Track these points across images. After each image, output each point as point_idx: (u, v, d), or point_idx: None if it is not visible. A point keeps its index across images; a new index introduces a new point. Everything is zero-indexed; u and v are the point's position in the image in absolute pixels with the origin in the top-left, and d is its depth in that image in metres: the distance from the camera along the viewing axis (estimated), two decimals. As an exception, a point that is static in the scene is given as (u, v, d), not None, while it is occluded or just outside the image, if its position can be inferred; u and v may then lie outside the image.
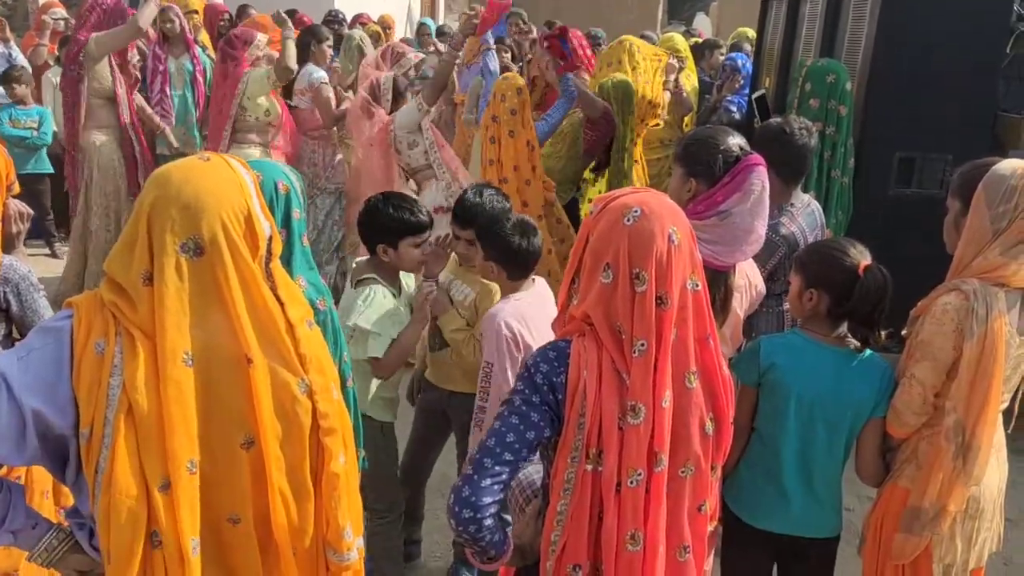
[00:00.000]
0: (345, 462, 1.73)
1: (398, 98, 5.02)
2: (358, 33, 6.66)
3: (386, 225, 2.91)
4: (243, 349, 1.56)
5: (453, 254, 3.12)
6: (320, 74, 5.52)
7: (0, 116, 6.43)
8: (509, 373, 2.61)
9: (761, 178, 2.29)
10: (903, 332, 2.41)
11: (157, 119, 6.09)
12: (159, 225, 1.51)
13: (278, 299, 1.62)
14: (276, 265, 1.66)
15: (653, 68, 5.50)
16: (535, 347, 2.63)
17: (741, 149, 2.35)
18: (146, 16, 5.35)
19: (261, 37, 5.58)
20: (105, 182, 5.62)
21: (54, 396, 1.51)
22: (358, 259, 3.11)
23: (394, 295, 2.94)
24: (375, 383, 2.96)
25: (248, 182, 1.60)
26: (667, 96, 5.70)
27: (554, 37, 5.13)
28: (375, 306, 2.84)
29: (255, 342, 1.57)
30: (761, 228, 2.31)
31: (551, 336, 1.86)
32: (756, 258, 2.99)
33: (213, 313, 1.55)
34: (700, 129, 2.76)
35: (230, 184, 1.57)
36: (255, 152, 5.36)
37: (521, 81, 4.71)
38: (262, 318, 1.59)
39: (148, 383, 1.50)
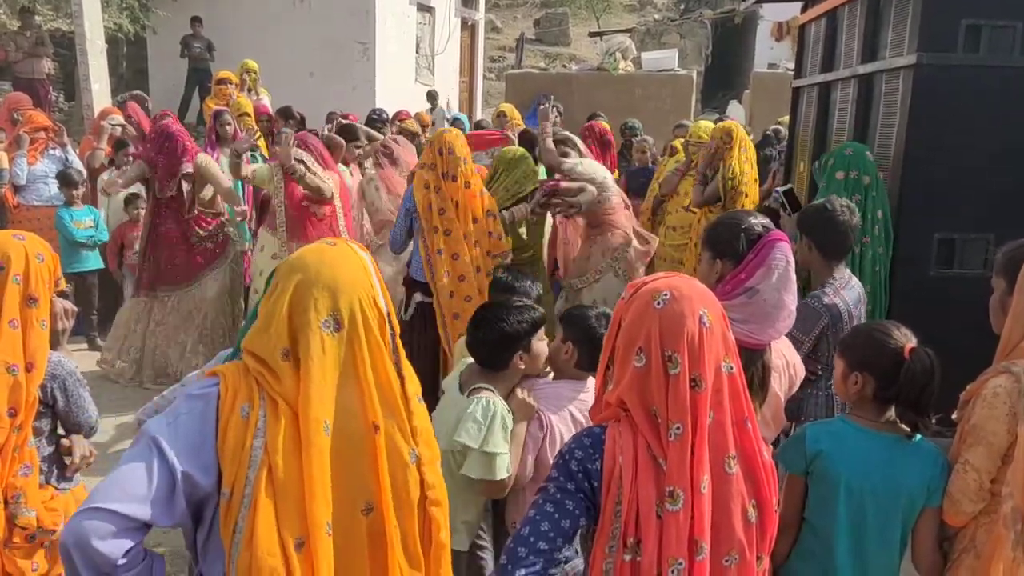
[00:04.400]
0: (444, 536, 1.79)
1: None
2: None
3: (517, 334, 2.73)
4: (371, 417, 1.66)
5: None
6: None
7: (64, 219, 6.64)
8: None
9: (784, 253, 2.31)
10: (953, 416, 2.35)
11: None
12: (302, 305, 1.63)
13: (400, 373, 1.73)
14: (399, 341, 1.77)
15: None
16: (551, 437, 2.67)
17: (763, 227, 2.37)
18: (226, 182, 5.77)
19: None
20: None
21: (200, 458, 1.59)
22: (466, 360, 2.92)
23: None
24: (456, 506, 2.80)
25: (370, 264, 1.74)
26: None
27: None
28: (498, 425, 2.62)
29: (380, 411, 1.67)
30: (791, 302, 2.31)
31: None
32: (799, 328, 2.98)
33: (347, 384, 1.65)
34: (724, 213, 2.80)
35: (359, 266, 1.71)
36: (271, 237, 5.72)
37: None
38: (385, 389, 1.69)
39: (287, 447, 1.60)
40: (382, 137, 6.97)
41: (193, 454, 1.58)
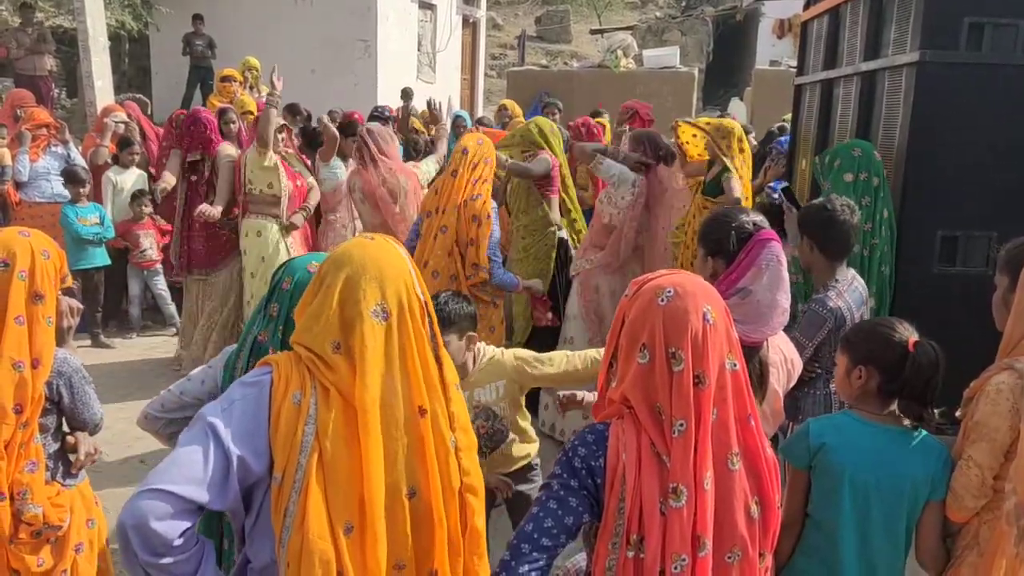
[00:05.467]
0: (479, 523, 1.82)
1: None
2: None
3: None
4: (417, 401, 1.70)
5: None
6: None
7: (69, 216, 6.64)
8: None
9: (775, 252, 2.32)
10: (957, 413, 2.36)
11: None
12: (353, 297, 1.69)
13: (438, 359, 1.77)
14: (437, 328, 1.81)
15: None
16: None
17: (755, 225, 2.38)
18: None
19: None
20: None
21: (253, 443, 1.63)
22: None
23: None
24: None
25: (406, 255, 1.80)
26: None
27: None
28: None
29: (426, 395, 1.71)
30: (784, 300, 2.32)
31: None
32: (803, 333, 2.98)
33: (396, 371, 1.70)
34: (717, 210, 2.80)
35: (399, 258, 1.77)
36: (268, 223, 5.73)
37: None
38: (427, 376, 1.73)
39: (338, 433, 1.63)
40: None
41: (247, 439, 1.62)
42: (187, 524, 1.56)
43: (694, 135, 5.49)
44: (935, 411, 2.33)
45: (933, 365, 2.29)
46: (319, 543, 1.59)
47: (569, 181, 5.72)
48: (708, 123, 5.23)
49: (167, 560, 1.55)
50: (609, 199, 5.09)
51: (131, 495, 1.56)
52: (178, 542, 1.55)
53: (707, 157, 5.10)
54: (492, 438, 3.08)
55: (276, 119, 5.71)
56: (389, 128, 6.12)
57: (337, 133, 6.18)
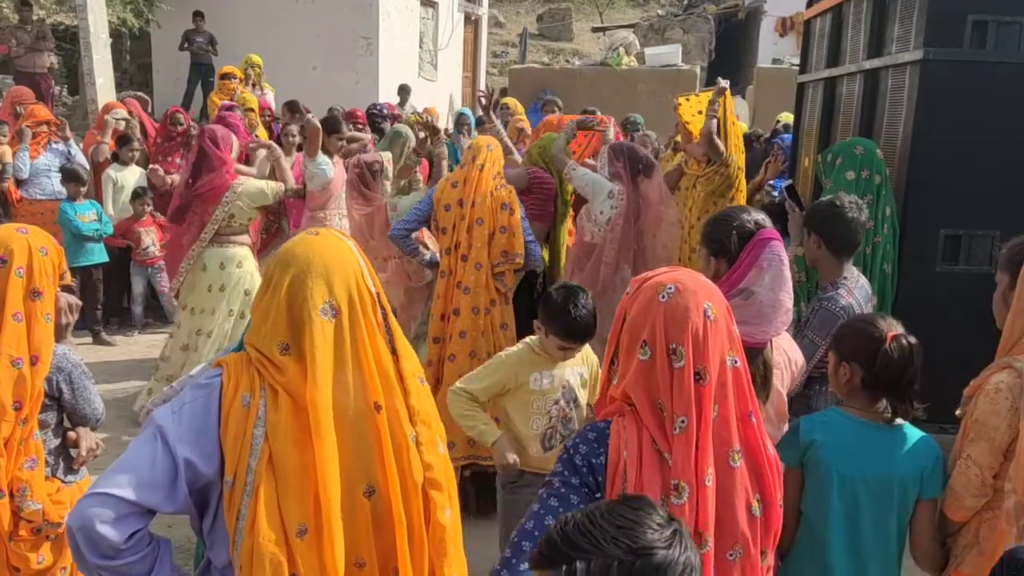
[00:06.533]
0: (451, 516, 1.79)
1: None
2: (405, 128, 6.85)
3: None
4: (372, 397, 1.68)
5: None
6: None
7: (68, 213, 6.62)
8: None
9: (776, 252, 2.31)
10: (957, 412, 2.35)
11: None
12: (300, 296, 1.66)
13: (395, 351, 1.75)
14: (392, 320, 1.79)
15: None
16: None
17: (756, 224, 2.37)
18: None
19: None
20: None
21: (202, 446, 1.62)
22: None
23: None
24: None
25: (354, 247, 1.77)
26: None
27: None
28: None
29: (381, 390, 1.69)
30: (788, 300, 2.31)
31: None
32: (817, 332, 2.98)
33: (348, 367, 1.68)
34: (720, 210, 2.80)
35: (346, 251, 1.74)
36: (245, 251, 5.46)
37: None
38: (382, 370, 1.71)
39: (287, 435, 1.62)
40: (365, 138, 6.85)
41: (195, 442, 1.61)
42: (134, 527, 1.56)
43: (694, 115, 5.43)
44: (916, 406, 2.32)
45: (905, 358, 2.28)
46: (269, 546, 1.58)
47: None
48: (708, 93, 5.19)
49: (117, 562, 1.56)
50: (587, 214, 4.78)
51: (80, 498, 1.58)
52: (126, 544, 1.55)
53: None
54: (567, 424, 3.08)
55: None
56: (383, 159, 5.86)
57: (319, 126, 6.04)
